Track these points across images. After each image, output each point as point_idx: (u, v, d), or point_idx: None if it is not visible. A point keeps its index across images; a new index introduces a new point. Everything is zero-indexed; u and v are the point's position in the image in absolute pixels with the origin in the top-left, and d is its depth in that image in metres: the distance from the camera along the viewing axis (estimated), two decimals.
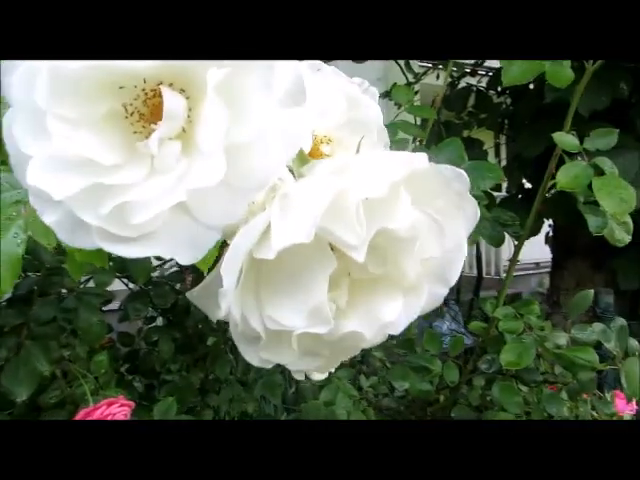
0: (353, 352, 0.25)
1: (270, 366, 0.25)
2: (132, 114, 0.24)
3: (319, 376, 0.30)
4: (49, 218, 0.23)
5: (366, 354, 1.09)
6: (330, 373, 1.03)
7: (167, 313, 1.03)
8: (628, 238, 0.86)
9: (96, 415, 0.68)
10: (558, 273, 1.80)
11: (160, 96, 0.24)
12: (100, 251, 0.49)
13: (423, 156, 0.21)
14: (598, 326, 0.75)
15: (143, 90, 0.23)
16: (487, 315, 0.97)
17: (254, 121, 0.22)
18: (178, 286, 1.02)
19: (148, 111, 0.24)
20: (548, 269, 1.99)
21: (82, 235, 0.23)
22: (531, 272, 3.65)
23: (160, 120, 0.23)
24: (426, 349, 0.99)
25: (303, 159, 0.25)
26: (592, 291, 0.92)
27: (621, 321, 0.75)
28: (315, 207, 0.20)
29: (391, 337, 0.85)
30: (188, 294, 0.26)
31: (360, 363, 1.11)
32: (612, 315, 1.41)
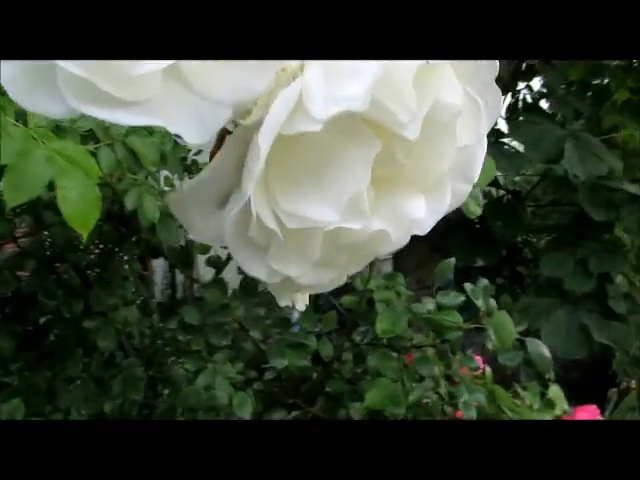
0: (368, 261, 0.23)
1: (278, 280, 0.21)
2: None
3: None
4: None
5: (238, 338, 1.05)
6: (204, 358, 0.97)
7: (6, 304, 0.86)
8: (479, 211, 0.95)
9: None
10: (400, 256, 1.95)
11: None
12: None
13: None
14: (469, 286, 0.81)
15: None
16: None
17: None
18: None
19: None
20: (389, 254, 2.13)
21: (45, 94, 0.17)
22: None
23: None
24: (302, 327, 0.99)
25: None
26: (453, 260, 1.00)
27: (485, 282, 0.83)
28: (370, 69, 0.17)
29: (266, 317, 0.81)
30: (168, 197, 0.21)
31: (231, 348, 1.07)
32: (453, 289, 1.56)
